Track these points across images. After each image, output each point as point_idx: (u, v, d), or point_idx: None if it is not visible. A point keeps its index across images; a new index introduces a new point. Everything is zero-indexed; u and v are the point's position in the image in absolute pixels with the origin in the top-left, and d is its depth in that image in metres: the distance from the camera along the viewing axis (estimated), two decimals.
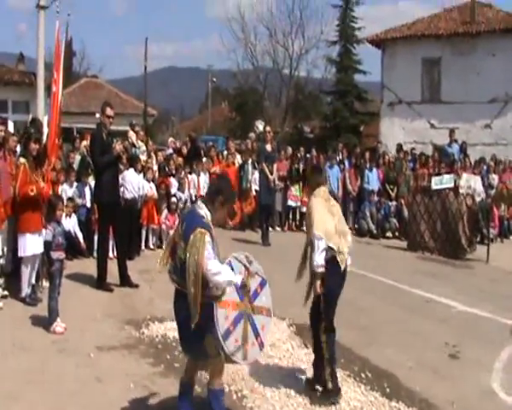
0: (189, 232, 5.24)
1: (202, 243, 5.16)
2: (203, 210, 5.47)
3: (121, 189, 12.20)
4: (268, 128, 17.86)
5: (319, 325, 6.57)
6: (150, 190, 14.34)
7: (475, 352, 8.30)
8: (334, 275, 6.46)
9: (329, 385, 6.44)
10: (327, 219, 6.54)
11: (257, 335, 5.67)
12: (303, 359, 7.70)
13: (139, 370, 7.14)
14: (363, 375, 7.25)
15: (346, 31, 39.30)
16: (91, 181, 12.78)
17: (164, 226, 14.75)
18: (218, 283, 5.24)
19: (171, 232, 6.53)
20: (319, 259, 6.37)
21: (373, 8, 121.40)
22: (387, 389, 6.87)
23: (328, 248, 6.41)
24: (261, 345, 5.77)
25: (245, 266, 5.63)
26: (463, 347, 8.45)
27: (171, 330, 8.33)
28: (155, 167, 16.02)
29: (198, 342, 5.33)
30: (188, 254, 5.17)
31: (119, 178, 11.73)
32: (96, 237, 12.06)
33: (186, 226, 5.36)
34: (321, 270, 6.37)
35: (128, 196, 13.15)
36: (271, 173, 16.24)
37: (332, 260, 6.45)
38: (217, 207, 5.50)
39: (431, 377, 7.39)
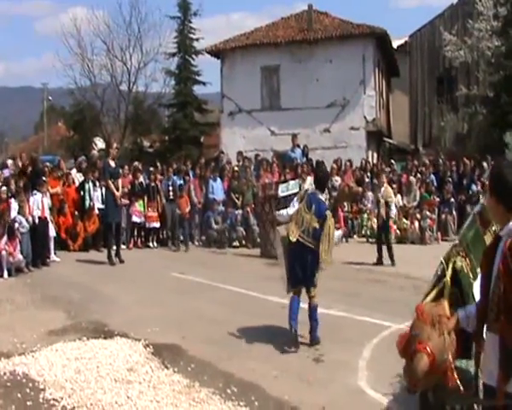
0: (323, 212, 8.47)
1: (331, 221, 8.53)
2: (323, 196, 8.82)
3: None
4: (116, 145, 17.49)
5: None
6: None
7: (338, 353, 8.17)
8: None
9: None
10: None
11: None
12: (164, 380, 7.16)
13: None
14: (228, 390, 6.81)
15: (185, 42, 39.03)
16: None
17: (4, 253, 13.72)
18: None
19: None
20: None
21: (207, 20, 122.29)
22: (256, 403, 6.51)
23: None
24: None
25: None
26: (326, 349, 8.31)
27: (19, 365, 7.58)
28: None
29: (314, 275, 8.59)
30: (327, 226, 8.38)
31: None
32: None
33: (317, 207, 8.47)
34: None
35: None
36: (117, 190, 15.62)
37: None
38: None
39: (298, 383, 7.13)
